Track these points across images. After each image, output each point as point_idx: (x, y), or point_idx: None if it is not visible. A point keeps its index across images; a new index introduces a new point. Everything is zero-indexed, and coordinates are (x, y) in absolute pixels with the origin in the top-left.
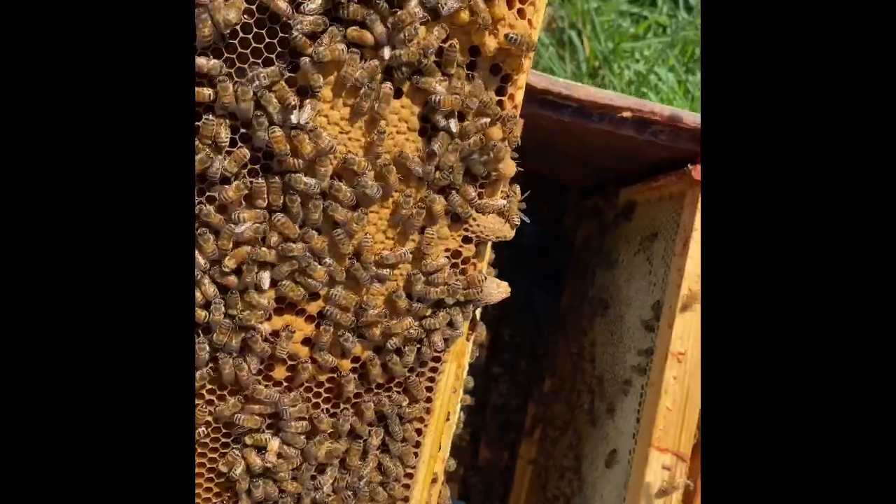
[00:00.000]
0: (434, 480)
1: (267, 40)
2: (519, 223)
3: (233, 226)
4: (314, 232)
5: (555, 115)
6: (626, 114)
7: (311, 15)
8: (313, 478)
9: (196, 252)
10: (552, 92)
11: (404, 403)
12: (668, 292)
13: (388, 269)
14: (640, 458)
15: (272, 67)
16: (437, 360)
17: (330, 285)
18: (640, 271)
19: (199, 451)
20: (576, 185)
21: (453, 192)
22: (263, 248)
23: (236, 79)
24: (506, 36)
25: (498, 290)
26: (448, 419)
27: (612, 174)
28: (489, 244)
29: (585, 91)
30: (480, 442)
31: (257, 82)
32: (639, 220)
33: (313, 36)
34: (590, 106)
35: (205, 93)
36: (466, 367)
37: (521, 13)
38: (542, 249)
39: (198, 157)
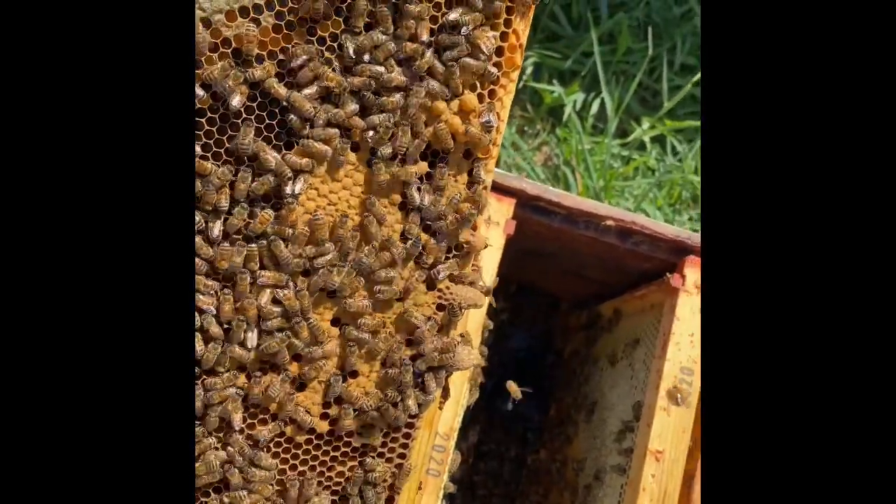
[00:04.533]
0: None
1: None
2: (490, 287)
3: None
4: (306, 291)
5: (545, 221)
6: (610, 222)
7: (309, 101)
8: None
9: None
10: (543, 199)
11: (377, 468)
12: (648, 393)
13: (368, 334)
14: None
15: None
16: (410, 425)
17: (312, 345)
18: (623, 376)
19: None
20: (566, 298)
21: (429, 261)
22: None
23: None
24: (482, 122)
25: (469, 357)
26: (420, 488)
27: (600, 287)
28: (461, 316)
29: (573, 200)
30: None
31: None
32: (623, 329)
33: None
34: (577, 213)
35: (207, 166)
36: (452, 447)
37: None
38: (532, 360)
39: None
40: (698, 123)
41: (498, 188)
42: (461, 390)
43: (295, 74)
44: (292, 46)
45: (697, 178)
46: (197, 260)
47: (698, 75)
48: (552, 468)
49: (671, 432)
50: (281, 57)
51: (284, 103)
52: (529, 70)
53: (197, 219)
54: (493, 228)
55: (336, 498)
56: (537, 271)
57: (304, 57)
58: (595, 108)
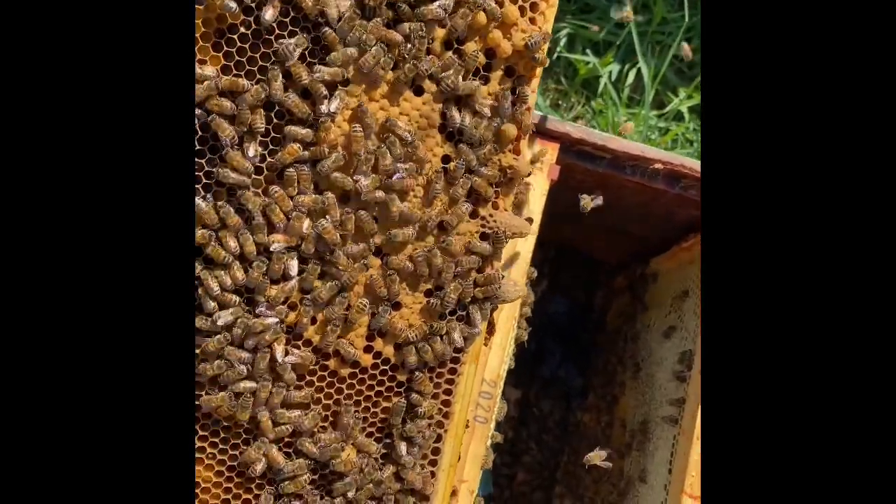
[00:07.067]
0: (454, 493)
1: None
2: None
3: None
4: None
5: (590, 167)
6: (658, 166)
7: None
8: (331, 483)
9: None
10: (588, 142)
11: (423, 404)
12: (699, 341)
13: (410, 263)
14: None
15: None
16: (455, 360)
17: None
18: (674, 329)
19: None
20: (608, 260)
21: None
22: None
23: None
24: (526, 41)
25: (515, 288)
26: (467, 427)
27: (642, 245)
28: (506, 244)
29: (619, 143)
30: None
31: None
32: (670, 283)
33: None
34: (623, 157)
35: (240, 83)
36: (499, 394)
37: (532, 21)
38: (571, 324)
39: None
40: None
41: (541, 132)
42: (507, 338)
43: None
44: None
45: None
46: (237, 177)
47: None
48: (598, 430)
49: None
50: None
51: (317, 18)
52: (563, 41)
53: (232, 136)
54: (537, 173)
55: (381, 435)
56: (577, 233)
57: None
58: (630, 78)
